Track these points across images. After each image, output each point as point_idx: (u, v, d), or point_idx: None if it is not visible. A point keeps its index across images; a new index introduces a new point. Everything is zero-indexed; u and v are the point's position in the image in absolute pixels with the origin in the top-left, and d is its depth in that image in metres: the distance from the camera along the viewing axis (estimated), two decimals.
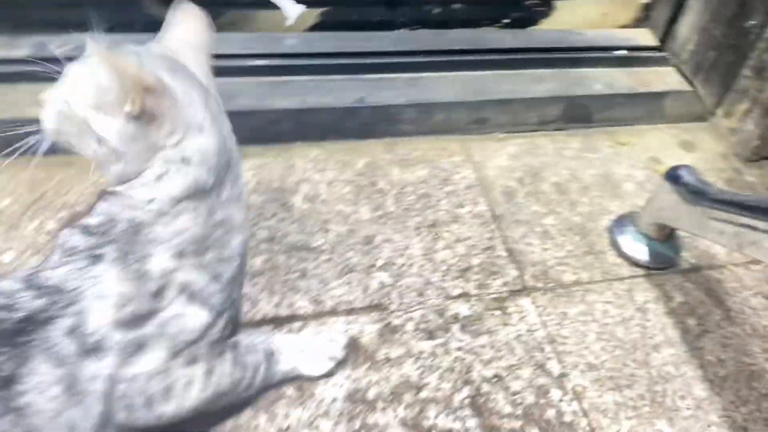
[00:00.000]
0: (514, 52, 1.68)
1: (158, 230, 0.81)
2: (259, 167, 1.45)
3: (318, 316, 1.18)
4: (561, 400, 1.09)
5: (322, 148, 1.53)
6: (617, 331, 1.22)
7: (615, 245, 1.38)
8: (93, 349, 0.79)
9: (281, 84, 1.50)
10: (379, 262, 1.28)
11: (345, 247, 1.30)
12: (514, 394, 1.10)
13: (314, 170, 1.47)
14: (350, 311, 1.19)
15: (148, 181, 0.80)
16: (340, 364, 1.10)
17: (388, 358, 1.12)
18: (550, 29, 1.78)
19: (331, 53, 1.56)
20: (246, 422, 1.02)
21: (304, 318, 1.17)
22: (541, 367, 1.14)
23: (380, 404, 1.06)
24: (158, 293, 0.83)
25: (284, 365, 1.04)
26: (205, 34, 0.88)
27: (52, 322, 0.77)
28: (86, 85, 0.75)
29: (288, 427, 1.01)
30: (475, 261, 1.31)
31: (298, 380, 1.07)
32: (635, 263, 1.35)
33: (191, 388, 0.88)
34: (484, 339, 1.17)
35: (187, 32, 0.87)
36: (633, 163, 1.62)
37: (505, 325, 1.20)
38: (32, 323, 0.76)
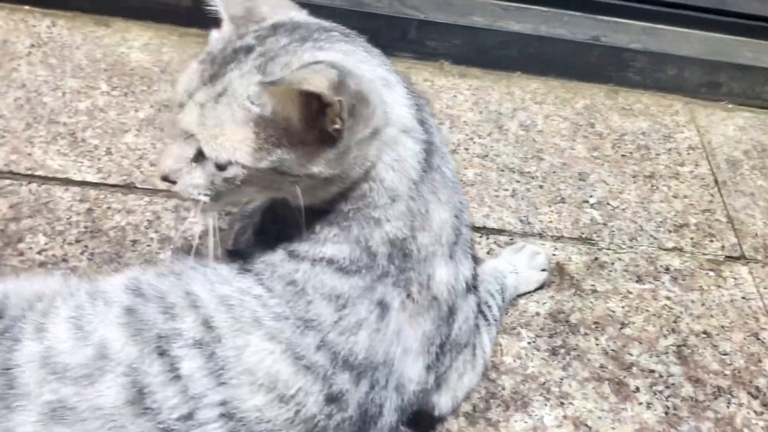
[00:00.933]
0: (761, 20, 1.55)
1: (423, 240, 0.64)
2: (477, 89, 1.45)
3: (525, 235, 1.16)
4: None
5: (542, 83, 1.50)
6: None
7: None
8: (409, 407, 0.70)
9: (517, 9, 1.47)
10: (592, 200, 1.25)
11: (558, 178, 1.28)
12: (724, 354, 1.04)
13: (532, 101, 1.44)
14: (558, 238, 1.17)
15: (382, 179, 0.62)
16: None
17: (594, 289, 1.09)
18: None
19: None
20: None
21: (511, 234, 1.16)
22: (755, 335, 1.07)
23: (582, 329, 1.03)
24: (451, 312, 0.68)
25: (510, 290, 1.02)
26: None
27: (381, 415, 0.65)
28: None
29: None
30: (693, 220, 1.25)
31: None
32: None
33: (464, 377, 0.81)
34: (694, 295, 1.12)
35: None
36: None
37: (719, 287, 1.14)
38: (367, 421, 0.64)
